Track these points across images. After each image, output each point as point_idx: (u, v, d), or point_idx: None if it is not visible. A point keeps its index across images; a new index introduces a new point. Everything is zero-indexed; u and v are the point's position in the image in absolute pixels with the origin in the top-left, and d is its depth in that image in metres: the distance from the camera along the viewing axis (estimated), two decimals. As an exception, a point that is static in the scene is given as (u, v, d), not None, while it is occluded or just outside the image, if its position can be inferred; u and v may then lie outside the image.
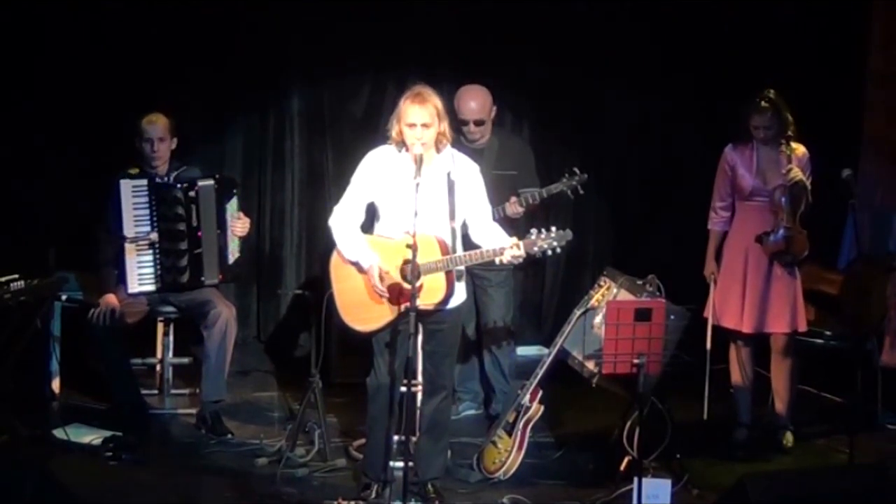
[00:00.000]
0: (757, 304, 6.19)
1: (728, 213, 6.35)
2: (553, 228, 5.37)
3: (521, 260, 5.36)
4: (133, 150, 6.50)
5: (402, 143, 5.42)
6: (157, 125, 6.44)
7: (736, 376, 6.38)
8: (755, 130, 6.18)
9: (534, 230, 5.37)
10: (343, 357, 6.89)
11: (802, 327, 6.28)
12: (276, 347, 7.97)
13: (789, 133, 6.15)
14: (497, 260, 5.36)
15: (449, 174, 5.42)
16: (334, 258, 5.55)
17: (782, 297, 6.19)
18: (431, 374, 5.57)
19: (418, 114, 5.34)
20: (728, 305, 6.27)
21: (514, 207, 6.35)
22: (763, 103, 6.13)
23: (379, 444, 5.59)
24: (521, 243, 5.32)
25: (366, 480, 5.65)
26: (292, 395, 7.00)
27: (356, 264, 5.45)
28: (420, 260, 5.24)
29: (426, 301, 5.32)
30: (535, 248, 5.34)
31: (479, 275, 6.53)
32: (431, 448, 5.64)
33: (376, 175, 5.49)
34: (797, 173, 6.08)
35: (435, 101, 5.38)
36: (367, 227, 5.58)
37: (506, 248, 5.30)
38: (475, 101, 6.43)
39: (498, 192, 6.41)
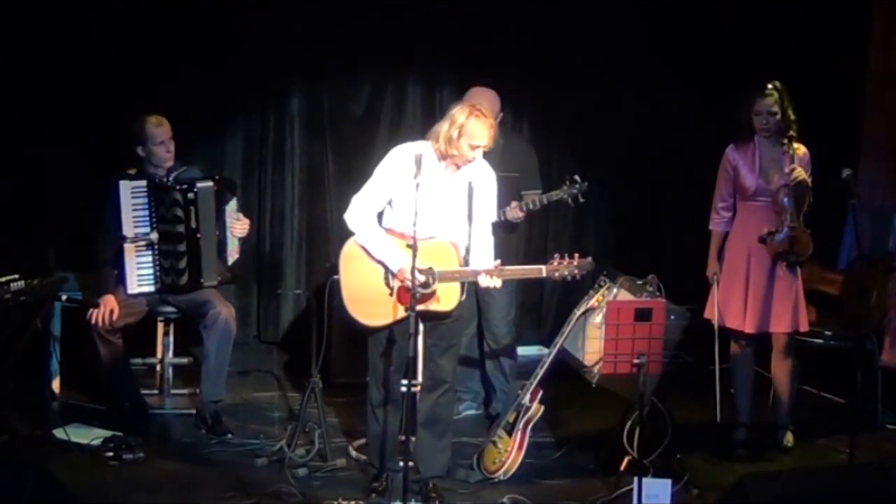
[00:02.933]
0: (759, 304, 6.19)
1: (730, 213, 6.34)
2: (576, 256, 5.47)
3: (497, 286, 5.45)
4: (132, 153, 6.48)
5: (446, 155, 5.41)
6: (165, 127, 6.43)
7: (737, 376, 6.38)
8: (758, 118, 6.16)
9: (556, 255, 5.47)
10: (343, 357, 6.89)
11: (804, 327, 6.28)
12: (275, 347, 7.97)
13: (791, 133, 6.15)
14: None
15: (470, 182, 5.46)
16: (347, 250, 5.52)
17: (784, 297, 6.19)
18: (433, 368, 5.56)
19: (488, 137, 5.40)
20: (730, 306, 6.26)
21: (514, 212, 6.37)
22: (769, 87, 6.13)
23: (382, 434, 5.62)
24: (502, 269, 5.39)
25: (374, 471, 5.69)
26: (292, 395, 7.00)
27: (381, 262, 5.45)
28: (439, 267, 5.31)
29: (439, 307, 5.36)
30: (557, 275, 5.46)
31: (481, 274, 6.54)
32: (432, 445, 5.63)
33: (403, 172, 5.43)
34: (800, 172, 6.07)
35: (494, 121, 5.49)
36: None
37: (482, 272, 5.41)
38: (486, 103, 6.42)
39: (500, 194, 6.42)
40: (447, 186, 5.45)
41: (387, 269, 5.44)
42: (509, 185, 6.48)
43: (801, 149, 6.19)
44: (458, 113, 5.39)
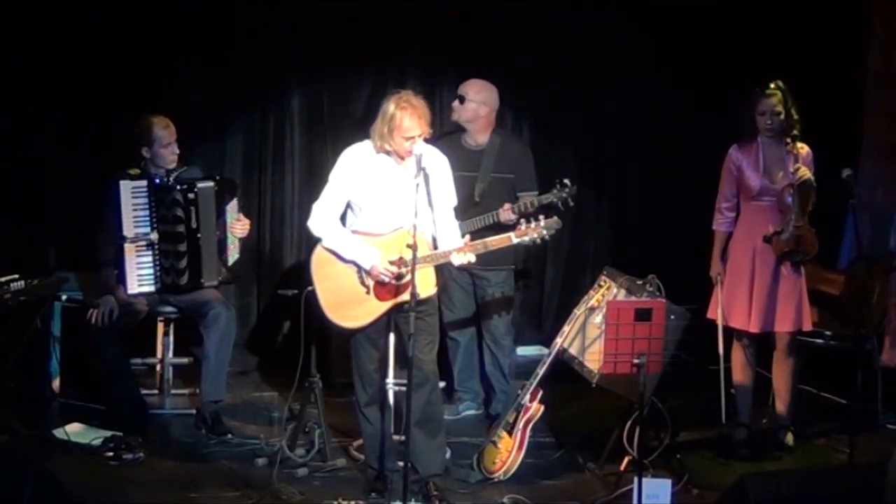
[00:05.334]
0: (764, 303, 6.19)
1: (733, 213, 6.34)
2: (542, 218, 5.50)
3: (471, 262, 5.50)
4: (136, 153, 6.48)
5: (387, 151, 5.46)
6: (171, 129, 6.45)
7: (738, 376, 6.38)
8: (761, 118, 6.17)
9: (523, 220, 5.50)
10: (343, 357, 6.85)
11: (807, 326, 6.29)
12: (276, 347, 7.96)
13: (795, 132, 6.16)
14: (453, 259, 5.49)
15: (424, 169, 5.46)
16: (315, 258, 5.56)
17: (789, 296, 6.19)
18: (416, 364, 5.47)
19: (420, 127, 5.40)
20: (735, 306, 6.26)
21: (507, 214, 6.37)
22: (771, 86, 6.13)
23: (376, 434, 5.64)
24: (473, 244, 5.44)
25: (373, 472, 5.69)
26: (292, 394, 6.99)
27: (353, 262, 5.47)
28: (410, 255, 5.28)
29: (417, 294, 5.33)
30: (527, 238, 5.48)
31: (479, 275, 6.54)
32: (428, 444, 5.62)
33: (356, 172, 5.53)
34: (805, 172, 6.08)
35: (426, 109, 5.45)
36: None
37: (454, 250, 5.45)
38: (484, 93, 6.55)
39: (496, 195, 6.43)
40: (402, 178, 5.47)
41: (359, 267, 5.46)
42: (504, 186, 6.49)
43: (804, 148, 6.20)
44: (387, 107, 5.43)
